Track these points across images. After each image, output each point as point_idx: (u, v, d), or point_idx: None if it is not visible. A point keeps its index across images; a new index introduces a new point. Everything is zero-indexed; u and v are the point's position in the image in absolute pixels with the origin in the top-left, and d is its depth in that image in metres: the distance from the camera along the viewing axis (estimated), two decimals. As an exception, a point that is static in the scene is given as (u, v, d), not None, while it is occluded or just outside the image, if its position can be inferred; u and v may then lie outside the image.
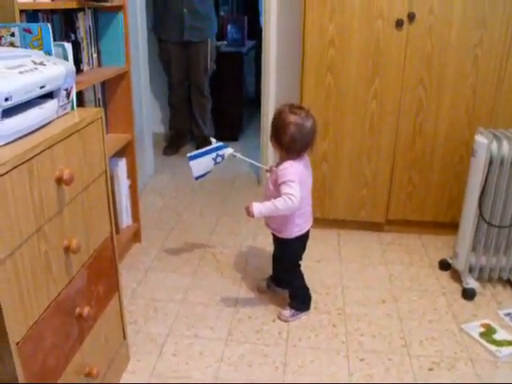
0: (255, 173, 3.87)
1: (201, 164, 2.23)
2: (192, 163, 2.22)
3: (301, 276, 2.24)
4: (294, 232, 2.10)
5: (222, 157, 2.22)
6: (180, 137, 4.47)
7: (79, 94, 2.19)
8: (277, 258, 2.29)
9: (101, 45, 2.42)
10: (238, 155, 2.25)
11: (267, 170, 2.27)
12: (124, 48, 2.45)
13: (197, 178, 2.26)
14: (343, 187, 2.87)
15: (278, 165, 2.06)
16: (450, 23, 2.49)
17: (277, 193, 1.99)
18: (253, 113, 4.93)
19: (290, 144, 1.96)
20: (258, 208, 1.97)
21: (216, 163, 2.23)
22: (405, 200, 2.86)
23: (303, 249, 2.20)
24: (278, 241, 2.18)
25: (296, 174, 1.97)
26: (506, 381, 1.88)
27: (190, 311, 2.26)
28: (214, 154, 2.21)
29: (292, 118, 1.95)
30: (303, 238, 2.16)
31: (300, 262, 2.23)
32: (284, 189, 1.94)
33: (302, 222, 2.10)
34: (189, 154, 2.23)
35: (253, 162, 2.33)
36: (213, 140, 2.25)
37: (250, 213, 1.98)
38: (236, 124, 4.71)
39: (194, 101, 4.34)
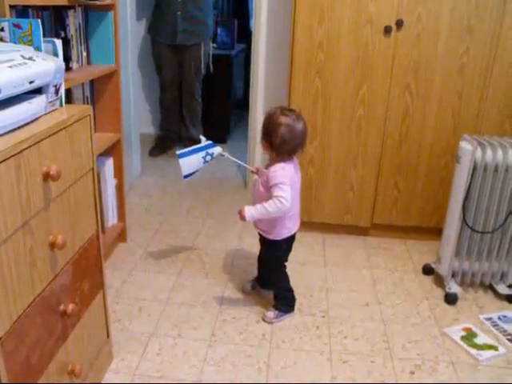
0: (242, 175, 3.88)
1: (190, 162, 2.20)
2: (182, 161, 2.19)
3: (286, 277, 2.25)
4: (282, 234, 2.11)
5: (212, 155, 2.20)
6: (168, 138, 4.48)
7: (67, 92, 2.18)
8: (263, 259, 2.30)
9: (90, 43, 2.41)
10: (227, 155, 2.24)
11: (253, 172, 2.28)
12: (114, 47, 2.45)
13: (186, 177, 2.23)
14: (329, 191, 2.88)
15: (267, 166, 2.06)
16: (438, 31, 2.53)
17: (267, 194, 2.00)
18: (241, 116, 4.94)
19: (281, 145, 1.97)
20: (250, 212, 1.98)
21: (205, 162, 2.21)
22: (390, 205, 2.88)
23: (289, 250, 2.22)
24: (265, 242, 2.19)
25: (287, 177, 1.98)
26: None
27: (175, 311, 2.26)
28: (203, 153, 2.20)
29: (283, 120, 1.97)
30: (290, 240, 2.17)
31: (286, 264, 2.24)
32: (275, 191, 1.96)
33: (291, 225, 2.12)
34: (178, 152, 2.21)
35: (240, 162, 2.33)
36: (202, 138, 2.24)
37: (242, 217, 1.99)
38: (224, 126, 4.72)
39: (184, 103, 4.36)
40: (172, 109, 4.40)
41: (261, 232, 2.17)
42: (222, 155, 2.23)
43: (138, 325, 2.16)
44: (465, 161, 2.26)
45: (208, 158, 2.20)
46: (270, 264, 2.24)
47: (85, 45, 2.35)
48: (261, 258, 2.34)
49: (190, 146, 2.23)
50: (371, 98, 2.68)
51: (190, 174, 2.24)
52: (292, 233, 2.14)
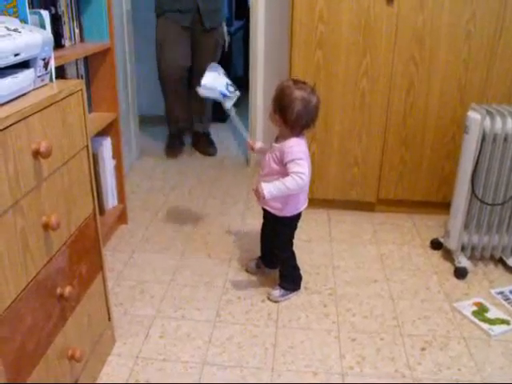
0: (243, 154, 3.80)
1: (215, 78, 2.12)
2: (208, 73, 2.12)
3: (294, 255, 2.19)
4: (296, 209, 2.05)
5: (231, 93, 2.14)
6: (182, 133, 3.95)
7: (61, 70, 2.11)
8: (272, 236, 2.20)
9: (83, 20, 2.33)
10: (233, 113, 2.20)
11: (249, 147, 2.22)
12: (107, 24, 2.37)
13: (202, 87, 2.13)
14: (333, 166, 2.81)
15: (278, 141, 1.99)
16: (443, -3, 2.44)
17: (282, 170, 1.94)
18: (241, 94, 4.84)
19: (297, 120, 1.89)
20: (268, 189, 1.89)
21: (225, 91, 2.13)
22: (396, 179, 2.81)
23: (296, 227, 2.15)
24: (275, 220, 2.10)
25: (303, 152, 1.93)
26: (499, 359, 1.86)
27: (178, 292, 2.21)
28: (228, 83, 2.14)
29: (298, 94, 1.89)
30: (300, 216, 2.11)
31: (293, 241, 2.18)
32: (293, 167, 1.89)
33: (303, 199, 2.06)
34: (213, 64, 2.15)
35: (242, 130, 2.26)
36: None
37: (259, 195, 1.91)
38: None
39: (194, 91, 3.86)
40: (181, 97, 3.79)
41: (270, 209, 2.08)
42: (229, 110, 2.18)
43: (140, 307, 2.12)
44: (473, 131, 2.18)
45: (230, 88, 2.13)
46: (280, 242, 2.16)
47: (77, 21, 2.27)
48: (264, 237, 2.27)
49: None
50: (374, 70, 2.59)
51: (207, 89, 2.14)
52: (303, 208, 2.08)
